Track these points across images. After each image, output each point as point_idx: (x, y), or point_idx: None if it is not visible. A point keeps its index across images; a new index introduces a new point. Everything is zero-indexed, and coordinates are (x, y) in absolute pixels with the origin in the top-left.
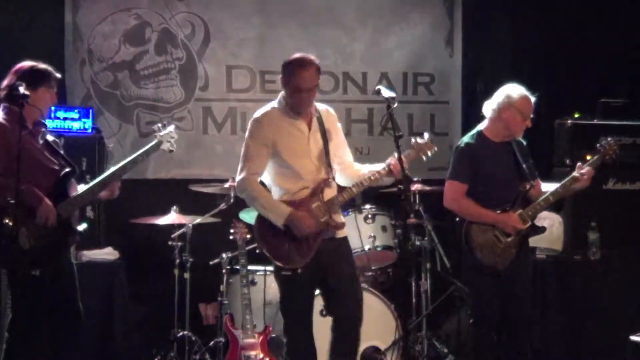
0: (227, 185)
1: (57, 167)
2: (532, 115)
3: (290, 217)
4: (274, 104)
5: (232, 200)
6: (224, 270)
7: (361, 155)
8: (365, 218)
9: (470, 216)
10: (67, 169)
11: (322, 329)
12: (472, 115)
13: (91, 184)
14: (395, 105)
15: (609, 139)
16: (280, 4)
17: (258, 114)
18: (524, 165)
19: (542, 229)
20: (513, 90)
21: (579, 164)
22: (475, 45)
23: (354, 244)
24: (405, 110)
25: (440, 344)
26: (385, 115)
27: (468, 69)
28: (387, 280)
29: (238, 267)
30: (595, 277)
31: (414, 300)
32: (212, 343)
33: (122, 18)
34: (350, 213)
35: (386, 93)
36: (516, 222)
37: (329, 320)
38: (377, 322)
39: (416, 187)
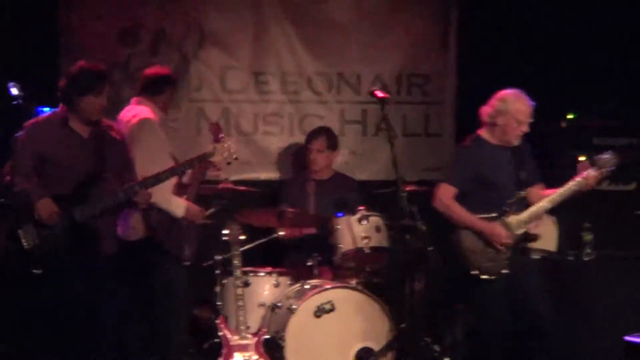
0: (221, 186)
1: (89, 170)
2: (529, 120)
3: None
4: None
5: (226, 202)
6: (217, 272)
7: (355, 155)
8: (359, 219)
9: (457, 220)
10: (96, 175)
11: (317, 330)
12: (466, 117)
13: (117, 190)
14: (390, 106)
15: (608, 153)
16: (274, 4)
17: None
18: (522, 172)
19: (533, 237)
20: (509, 95)
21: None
22: (471, 46)
23: (348, 245)
24: (400, 111)
25: (435, 345)
26: (379, 117)
27: (462, 70)
28: (382, 281)
29: (232, 268)
30: (589, 277)
31: (408, 301)
32: (206, 345)
33: (116, 18)
34: (344, 214)
35: (380, 94)
36: (500, 235)
37: (323, 321)
38: (372, 323)
39: (410, 187)
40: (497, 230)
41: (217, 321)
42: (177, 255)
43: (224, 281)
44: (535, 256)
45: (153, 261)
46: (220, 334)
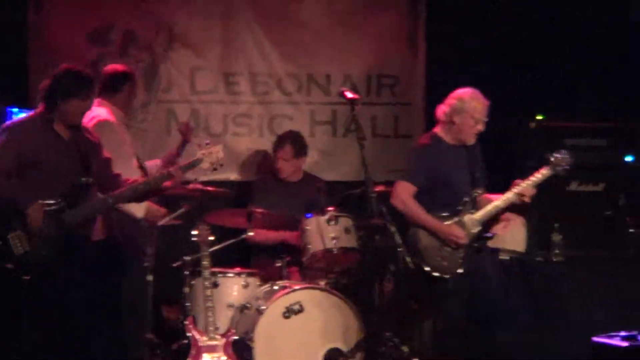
0: (190, 187)
1: (74, 175)
2: (485, 119)
3: None
4: None
5: (195, 202)
6: (186, 273)
7: (325, 156)
8: (329, 220)
9: (414, 219)
10: (83, 180)
11: (286, 331)
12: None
13: (123, 189)
14: (359, 107)
15: (562, 152)
16: (243, 5)
17: None
18: (476, 171)
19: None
20: (466, 94)
21: (517, 180)
22: (439, 47)
23: (317, 245)
24: (369, 112)
25: (403, 345)
26: (349, 117)
27: (432, 71)
28: (351, 281)
29: (201, 269)
30: (558, 278)
31: (377, 301)
32: (174, 345)
33: (86, 19)
34: (313, 215)
35: (350, 95)
36: (456, 236)
37: (292, 321)
38: (341, 324)
39: (380, 188)
40: (454, 230)
41: (186, 322)
42: (138, 256)
43: (193, 282)
44: (504, 257)
45: (113, 261)
46: (188, 335)
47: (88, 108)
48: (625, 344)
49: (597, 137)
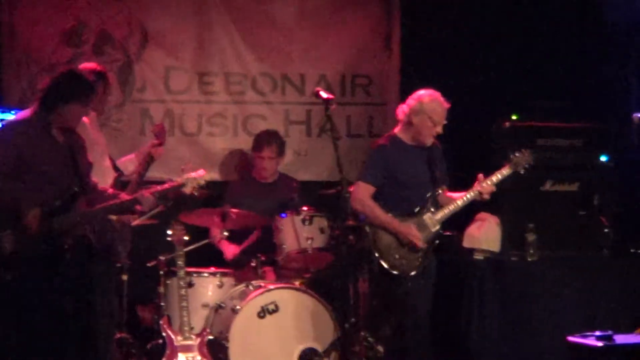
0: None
1: (67, 181)
2: (444, 122)
3: None
4: None
5: (170, 202)
6: (161, 272)
7: (299, 156)
8: (303, 220)
9: (373, 219)
10: (75, 188)
11: (261, 330)
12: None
13: (99, 207)
14: (334, 107)
15: (524, 151)
16: (217, 5)
17: None
18: (436, 170)
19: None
20: (425, 95)
21: (479, 175)
22: (414, 48)
23: (292, 245)
24: (344, 112)
25: (379, 345)
26: (323, 117)
27: (406, 71)
28: (325, 281)
29: (175, 269)
30: (533, 278)
31: (352, 301)
32: (149, 345)
33: (59, 19)
34: (287, 215)
35: (324, 95)
36: (415, 237)
37: (267, 321)
38: (316, 324)
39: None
40: (412, 231)
41: (161, 322)
42: (110, 256)
43: (168, 281)
44: (479, 257)
45: (84, 262)
46: (163, 334)
47: (86, 113)
48: (600, 343)
49: (571, 137)
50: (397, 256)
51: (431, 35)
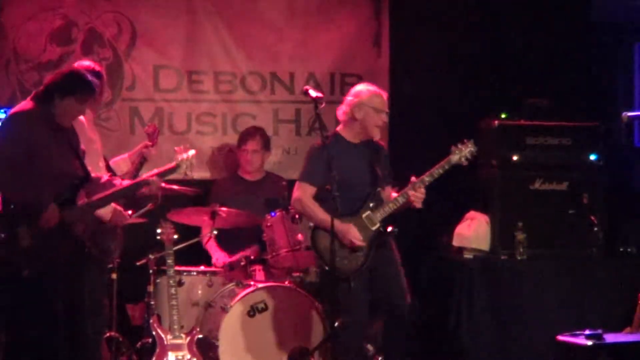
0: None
1: (74, 172)
2: (387, 110)
3: None
4: None
5: (159, 201)
6: (151, 271)
7: (289, 155)
8: (293, 219)
9: (312, 219)
10: (79, 180)
11: (251, 329)
12: (398, 117)
13: (102, 195)
14: (323, 105)
15: (466, 141)
16: (206, 3)
17: None
18: (378, 169)
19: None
20: (361, 89)
21: (412, 178)
22: (403, 46)
23: (281, 244)
24: (333, 111)
25: (368, 344)
26: (312, 116)
27: (395, 70)
28: (315, 280)
29: (165, 267)
30: (523, 276)
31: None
32: (139, 344)
33: (48, 17)
34: (277, 214)
35: (314, 93)
36: (354, 237)
37: (257, 320)
38: (305, 323)
39: None
40: (351, 231)
41: (151, 320)
42: (102, 257)
43: (158, 280)
44: (468, 255)
45: (76, 263)
46: (153, 333)
47: (82, 112)
48: (589, 342)
49: (560, 136)
50: (338, 257)
51: (420, 34)
